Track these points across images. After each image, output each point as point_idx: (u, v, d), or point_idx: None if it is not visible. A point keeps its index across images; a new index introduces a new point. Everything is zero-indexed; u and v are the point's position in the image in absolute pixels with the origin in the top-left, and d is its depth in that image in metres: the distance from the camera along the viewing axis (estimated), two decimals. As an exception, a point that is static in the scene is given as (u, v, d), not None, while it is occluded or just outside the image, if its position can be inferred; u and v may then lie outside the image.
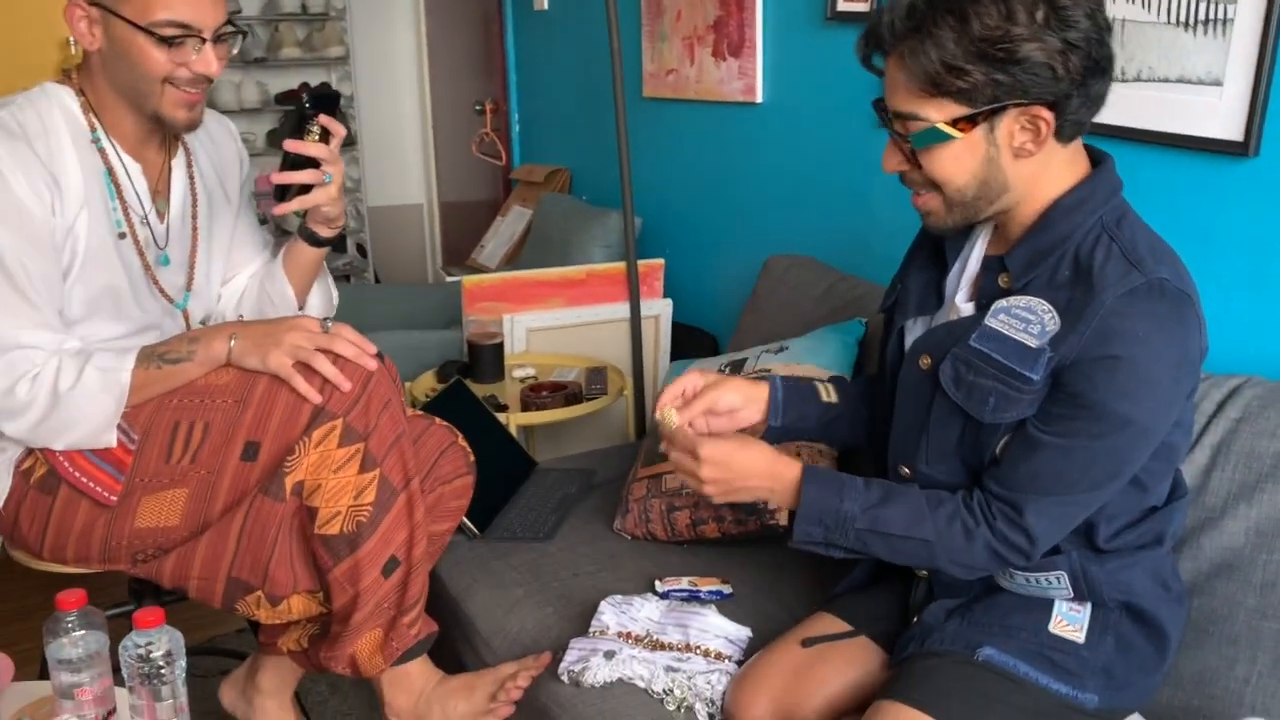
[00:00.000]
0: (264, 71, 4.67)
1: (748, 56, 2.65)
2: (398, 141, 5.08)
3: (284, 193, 1.53)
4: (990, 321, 1.21)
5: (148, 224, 1.58)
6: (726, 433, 1.40)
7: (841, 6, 2.30)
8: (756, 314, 2.28)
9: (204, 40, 1.44)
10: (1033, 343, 1.17)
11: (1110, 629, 1.28)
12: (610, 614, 1.59)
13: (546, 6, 3.69)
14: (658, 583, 1.71)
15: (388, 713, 1.65)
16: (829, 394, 1.50)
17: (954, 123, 1.16)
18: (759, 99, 2.64)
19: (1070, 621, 1.28)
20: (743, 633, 1.57)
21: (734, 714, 1.42)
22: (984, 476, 1.24)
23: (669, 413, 1.36)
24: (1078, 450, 1.17)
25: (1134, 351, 1.12)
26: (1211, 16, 1.57)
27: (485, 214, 4.23)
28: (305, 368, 1.45)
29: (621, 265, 2.70)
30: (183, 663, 1.22)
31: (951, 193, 1.21)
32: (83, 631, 1.23)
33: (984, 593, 1.35)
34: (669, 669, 1.49)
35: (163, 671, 1.19)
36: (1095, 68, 1.13)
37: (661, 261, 2.78)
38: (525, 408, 2.33)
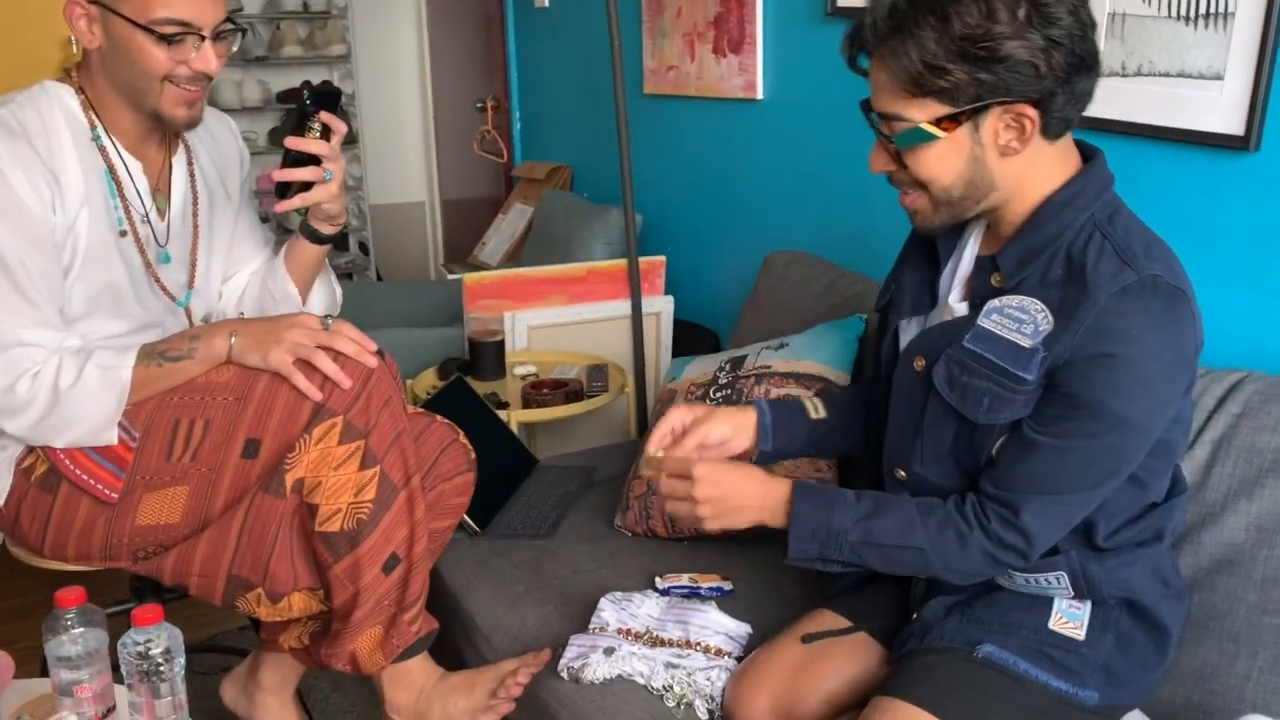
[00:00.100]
0: (265, 70, 4.67)
1: (748, 53, 2.64)
2: (399, 139, 5.09)
3: (285, 190, 1.54)
4: (983, 322, 1.21)
5: (148, 222, 1.58)
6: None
7: (841, 2, 2.30)
8: (757, 310, 2.28)
9: (203, 38, 1.44)
10: (1026, 343, 1.17)
11: (1110, 626, 1.27)
12: (610, 610, 1.59)
13: (547, 4, 3.69)
14: (658, 579, 1.71)
15: (388, 710, 1.65)
16: (817, 410, 1.50)
17: (937, 122, 1.15)
18: (759, 95, 2.64)
19: (1070, 619, 1.28)
20: (743, 629, 1.57)
21: (734, 710, 1.42)
22: (980, 478, 1.24)
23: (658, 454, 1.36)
24: (1074, 450, 1.16)
25: (1128, 350, 1.12)
26: (1212, 10, 1.57)
27: (487, 211, 4.23)
28: (306, 365, 1.45)
29: (622, 262, 2.70)
30: (181, 660, 1.22)
31: (938, 192, 1.21)
32: (82, 629, 1.23)
33: (984, 590, 1.34)
34: (669, 665, 1.49)
35: (161, 669, 1.19)
36: (1079, 64, 1.13)
37: (663, 258, 2.78)
38: (526, 405, 2.33)
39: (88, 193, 1.49)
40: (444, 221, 5.09)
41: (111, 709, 1.26)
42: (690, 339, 2.82)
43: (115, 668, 1.25)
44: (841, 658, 1.40)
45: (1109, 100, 1.74)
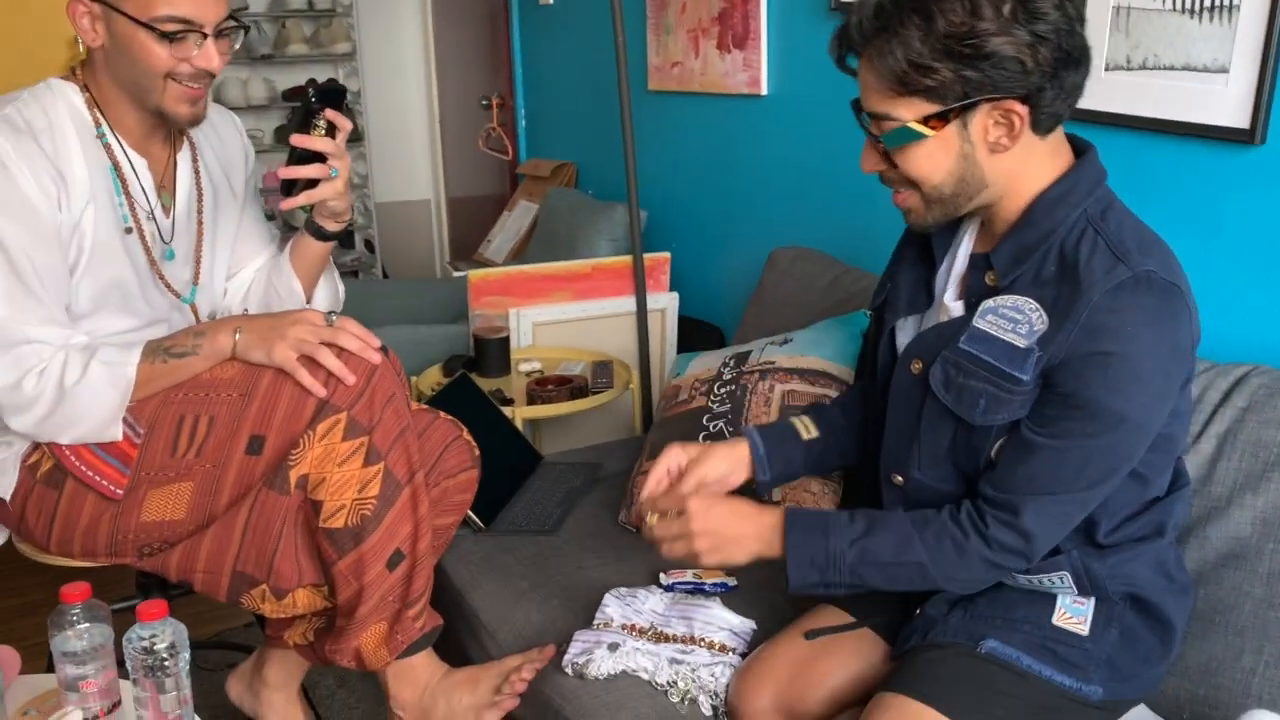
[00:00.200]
0: (271, 68, 4.68)
1: (752, 48, 2.64)
2: (405, 137, 5.10)
3: (290, 188, 1.54)
4: (978, 323, 1.20)
5: (153, 219, 1.59)
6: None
7: (846, -3, 2.29)
8: (761, 306, 2.27)
9: (205, 35, 1.44)
10: (1021, 343, 1.16)
11: (1114, 621, 1.27)
12: (615, 606, 1.59)
13: (552, 1, 3.69)
14: (662, 575, 1.71)
15: (393, 706, 1.65)
16: (808, 430, 1.50)
17: (925, 121, 1.15)
18: (764, 91, 2.64)
19: (1074, 614, 1.27)
20: (747, 625, 1.57)
21: (737, 706, 1.42)
22: (980, 481, 1.23)
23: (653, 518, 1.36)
24: (1073, 450, 1.16)
25: (1124, 347, 1.11)
26: (1217, 3, 1.56)
27: (492, 209, 4.24)
28: (310, 361, 1.45)
29: (627, 259, 2.70)
30: (186, 655, 1.23)
31: (929, 190, 1.20)
32: (87, 624, 1.23)
33: (987, 586, 1.34)
34: (673, 661, 1.49)
35: (166, 664, 1.20)
36: (1067, 59, 1.12)
37: (667, 255, 2.78)
38: (531, 401, 2.33)
39: (93, 190, 1.49)
40: (450, 219, 5.10)
41: (117, 704, 1.27)
42: (695, 335, 2.81)
43: (121, 663, 1.26)
44: (845, 654, 1.40)
45: (1114, 94, 1.73)
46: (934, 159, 1.17)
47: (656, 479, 1.42)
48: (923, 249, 1.35)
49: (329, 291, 1.79)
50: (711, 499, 1.32)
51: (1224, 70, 1.57)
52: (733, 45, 2.72)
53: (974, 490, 1.24)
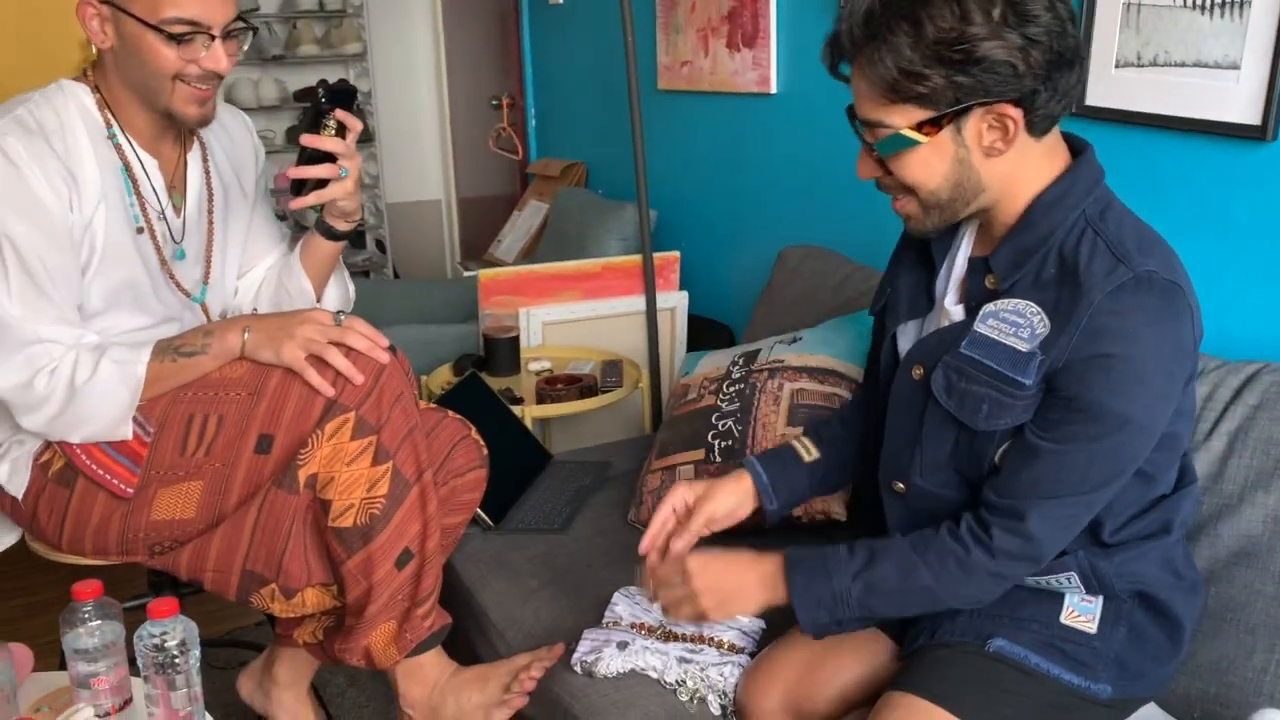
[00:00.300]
0: (282, 69, 4.69)
1: (762, 47, 2.64)
2: (416, 137, 5.10)
3: (300, 187, 1.55)
4: (979, 327, 1.20)
5: (164, 218, 1.60)
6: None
7: (855, -5, 2.29)
8: (771, 305, 2.27)
9: (213, 37, 1.45)
10: (1023, 347, 1.15)
11: (1123, 619, 1.26)
12: (624, 605, 1.59)
13: (562, 1, 3.70)
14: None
15: (402, 704, 1.65)
16: (809, 451, 1.49)
17: (918, 127, 1.14)
18: (773, 90, 2.63)
19: (1082, 612, 1.27)
20: (755, 624, 1.57)
21: (746, 705, 1.42)
22: (984, 487, 1.22)
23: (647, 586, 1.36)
24: (1077, 453, 1.15)
25: (1126, 349, 1.10)
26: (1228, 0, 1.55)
27: (503, 209, 4.25)
28: (318, 361, 1.46)
29: (637, 258, 2.70)
30: (197, 652, 1.23)
31: (925, 195, 1.19)
32: (99, 621, 1.24)
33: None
34: (682, 660, 1.49)
35: (177, 661, 1.20)
36: (1059, 61, 1.11)
37: (677, 254, 2.78)
38: (540, 400, 2.34)
39: (104, 190, 1.50)
40: (460, 219, 5.11)
41: (128, 701, 1.27)
42: (705, 334, 2.81)
43: (133, 661, 1.26)
44: (853, 653, 1.40)
45: (1124, 91, 1.73)
46: (929, 165, 1.16)
47: (663, 519, 1.42)
48: (921, 252, 1.34)
49: (339, 291, 1.79)
50: (708, 555, 1.31)
51: (1235, 67, 1.56)
52: (742, 44, 2.72)
53: (977, 496, 1.23)
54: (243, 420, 1.48)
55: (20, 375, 1.43)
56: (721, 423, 1.86)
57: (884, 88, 1.13)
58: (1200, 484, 1.43)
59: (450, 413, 1.74)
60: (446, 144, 5.03)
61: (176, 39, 1.43)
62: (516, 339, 2.52)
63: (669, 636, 1.54)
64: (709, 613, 1.29)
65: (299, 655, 1.73)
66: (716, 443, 1.84)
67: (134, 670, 1.27)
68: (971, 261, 1.26)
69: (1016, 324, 1.17)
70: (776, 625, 1.54)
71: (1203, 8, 1.59)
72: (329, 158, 1.54)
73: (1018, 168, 1.17)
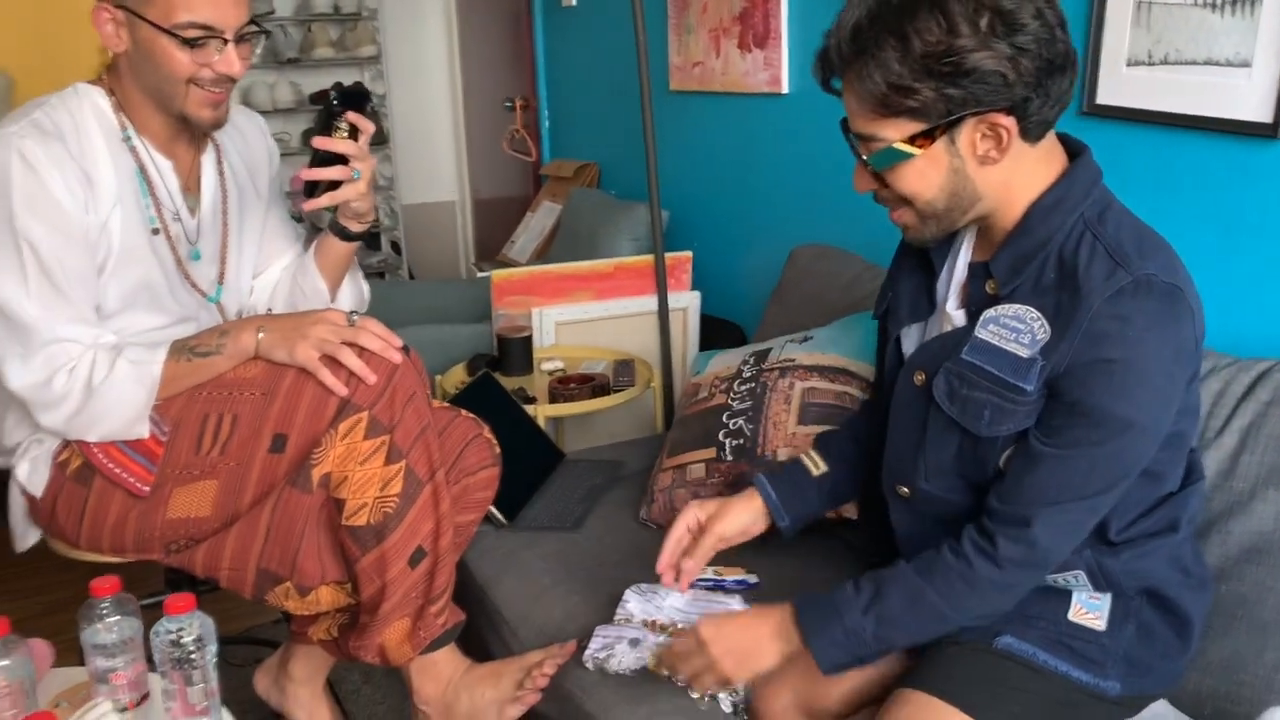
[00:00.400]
0: (297, 71, 4.72)
1: (773, 47, 2.65)
2: (430, 139, 5.13)
3: (313, 189, 1.56)
4: (980, 333, 1.20)
5: (179, 219, 1.61)
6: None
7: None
8: (782, 304, 2.28)
9: (226, 41, 1.47)
10: (1024, 353, 1.15)
11: (1131, 616, 1.26)
12: (635, 602, 1.60)
13: (575, 2, 3.71)
14: (683, 572, 1.71)
15: (416, 701, 1.67)
16: (817, 465, 1.50)
17: (911, 140, 1.14)
18: (785, 90, 2.64)
19: (1090, 609, 1.27)
20: (768, 621, 1.57)
21: (757, 702, 1.42)
22: (989, 494, 1.22)
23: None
24: (1080, 458, 1.14)
25: (1127, 353, 1.10)
26: (1238, -3, 1.55)
27: (517, 210, 4.26)
28: (331, 361, 1.47)
29: (649, 258, 2.71)
30: (213, 648, 1.24)
31: (922, 206, 1.19)
32: (117, 617, 1.25)
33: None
34: (693, 656, 1.49)
35: (193, 656, 1.22)
36: (1050, 67, 1.10)
37: (689, 254, 2.78)
38: (553, 400, 2.35)
39: (120, 192, 1.52)
40: (475, 220, 5.13)
41: (145, 696, 1.29)
42: (717, 334, 2.82)
43: (150, 659, 1.28)
44: (864, 651, 1.40)
45: (1135, 89, 1.73)
46: (924, 176, 1.16)
47: (677, 538, 1.45)
48: (922, 256, 1.34)
49: (354, 291, 1.81)
50: (718, 619, 1.32)
51: (1246, 64, 1.56)
52: (754, 44, 2.72)
53: (983, 499, 1.23)
54: (257, 420, 1.50)
55: (39, 374, 1.45)
56: (732, 421, 1.86)
57: (874, 102, 1.13)
58: (1211, 481, 1.43)
59: (463, 412, 1.75)
60: (461, 146, 5.06)
61: (190, 43, 1.44)
62: (529, 339, 2.53)
63: (681, 634, 1.54)
64: (732, 676, 1.29)
65: (314, 652, 1.74)
66: (728, 441, 1.84)
67: (152, 667, 1.29)
68: (972, 267, 1.26)
69: (1017, 330, 1.16)
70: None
71: (1214, 6, 1.59)
72: (341, 159, 1.55)
73: (1013, 174, 1.17)
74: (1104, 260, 1.13)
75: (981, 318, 1.21)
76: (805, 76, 2.58)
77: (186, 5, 1.43)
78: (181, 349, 1.52)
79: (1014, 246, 1.19)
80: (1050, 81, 1.11)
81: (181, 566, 1.57)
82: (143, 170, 1.56)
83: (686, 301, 2.76)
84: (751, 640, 1.28)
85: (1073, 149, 1.22)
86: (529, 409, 2.22)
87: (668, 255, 2.69)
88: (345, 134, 1.54)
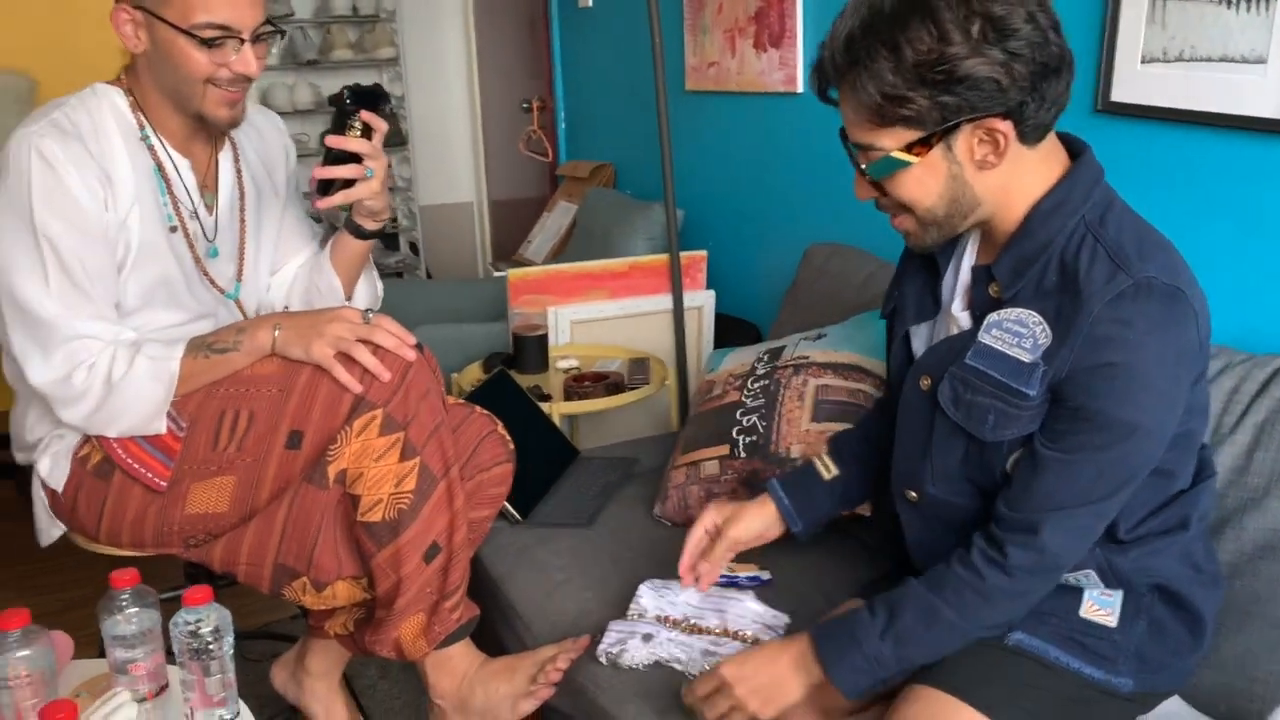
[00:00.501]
0: (316, 73, 4.75)
1: (788, 47, 2.65)
2: (448, 141, 5.15)
3: (327, 187, 1.57)
4: (983, 337, 1.20)
5: (197, 217, 1.63)
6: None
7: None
8: (796, 303, 2.28)
9: (243, 41, 1.48)
10: (1026, 357, 1.15)
11: (1143, 613, 1.26)
12: (648, 597, 1.61)
13: (591, 3, 3.72)
14: (696, 568, 1.71)
15: (432, 695, 1.68)
16: (828, 469, 1.51)
17: (908, 148, 1.14)
18: (800, 89, 2.64)
19: (1102, 606, 1.26)
20: (780, 618, 1.57)
21: (770, 698, 1.42)
22: (996, 500, 1.22)
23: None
24: (1086, 463, 1.14)
25: (1129, 357, 1.09)
26: (1253, -8, 1.55)
27: (534, 210, 4.28)
28: (346, 358, 1.48)
29: (664, 257, 2.72)
30: (230, 639, 1.26)
31: (922, 213, 1.19)
32: (136, 609, 1.27)
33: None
34: (706, 653, 1.50)
35: (211, 647, 1.23)
36: (1044, 71, 1.10)
37: (704, 253, 2.79)
38: (568, 397, 2.36)
39: (138, 190, 1.54)
40: (492, 221, 5.15)
41: (164, 687, 1.30)
42: (732, 333, 2.82)
43: (169, 653, 1.29)
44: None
45: (1150, 86, 1.72)
46: (923, 184, 1.17)
47: (696, 541, 1.49)
48: (926, 256, 1.33)
49: (368, 289, 1.82)
50: (739, 658, 1.32)
51: (1262, 60, 1.55)
52: (769, 44, 2.73)
53: (991, 504, 1.23)
54: (273, 416, 1.51)
55: (60, 370, 1.47)
56: (746, 418, 1.87)
57: (870, 112, 1.13)
58: (1226, 477, 1.42)
59: (478, 408, 1.76)
60: (478, 147, 5.07)
61: (208, 43, 1.46)
62: (545, 337, 2.54)
63: (694, 629, 1.55)
64: (760, 714, 1.29)
65: (331, 646, 1.75)
66: (741, 438, 1.85)
67: (171, 660, 1.30)
68: (975, 270, 1.26)
69: (1019, 334, 1.16)
70: (800, 619, 1.55)
71: (1229, 2, 1.58)
72: (355, 158, 1.56)
73: (1013, 178, 1.17)
74: (1104, 263, 1.12)
75: (985, 322, 1.21)
76: (820, 75, 2.58)
77: (204, 6, 1.44)
78: (199, 345, 1.54)
79: (1016, 250, 1.19)
80: (1045, 85, 1.10)
81: (200, 561, 1.58)
82: (160, 168, 1.57)
83: (702, 300, 2.76)
84: (774, 676, 1.29)
85: (1074, 149, 1.22)
86: (544, 406, 2.23)
87: (683, 254, 2.70)
88: (359, 133, 1.55)
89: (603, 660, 1.52)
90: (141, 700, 1.28)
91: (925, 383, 1.28)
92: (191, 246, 1.62)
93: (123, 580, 1.27)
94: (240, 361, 1.54)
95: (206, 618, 1.23)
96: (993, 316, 1.20)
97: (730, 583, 1.68)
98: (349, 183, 1.57)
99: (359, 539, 1.52)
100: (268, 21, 1.52)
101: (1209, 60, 1.63)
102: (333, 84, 4.78)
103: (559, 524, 1.92)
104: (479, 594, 1.75)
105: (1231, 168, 1.64)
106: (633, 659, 1.50)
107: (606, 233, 3.19)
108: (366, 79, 4.82)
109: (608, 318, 2.70)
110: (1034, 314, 1.16)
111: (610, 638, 1.54)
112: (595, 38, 3.80)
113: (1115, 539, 1.24)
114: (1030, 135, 1.14)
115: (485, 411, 1.76)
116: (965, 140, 1.13)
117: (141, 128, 1.56)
